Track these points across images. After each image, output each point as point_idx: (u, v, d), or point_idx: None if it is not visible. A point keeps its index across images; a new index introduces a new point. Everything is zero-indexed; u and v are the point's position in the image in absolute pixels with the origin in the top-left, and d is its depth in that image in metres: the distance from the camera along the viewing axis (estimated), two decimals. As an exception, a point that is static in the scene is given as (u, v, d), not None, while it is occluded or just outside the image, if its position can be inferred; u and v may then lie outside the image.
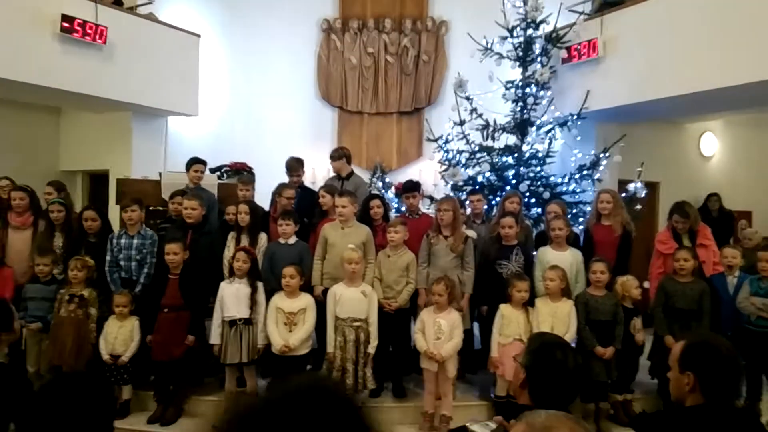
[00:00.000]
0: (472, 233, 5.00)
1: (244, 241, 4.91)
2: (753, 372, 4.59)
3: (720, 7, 5.66)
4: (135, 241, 4.92)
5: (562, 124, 6.81)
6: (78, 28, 6.36)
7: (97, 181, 8.14)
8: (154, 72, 7.29)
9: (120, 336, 4.53)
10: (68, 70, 6.38)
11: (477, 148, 6.91)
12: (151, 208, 5.82)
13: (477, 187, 6.39)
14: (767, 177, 8.93)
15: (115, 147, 7.64)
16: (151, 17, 7.46)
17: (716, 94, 5.91)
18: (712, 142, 8.79)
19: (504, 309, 4.55)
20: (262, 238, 5.03)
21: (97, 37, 6.55)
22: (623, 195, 6.13)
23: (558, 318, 4.47)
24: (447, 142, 7.01)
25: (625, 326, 4.58)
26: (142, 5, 7.56)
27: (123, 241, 4.90)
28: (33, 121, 8.00)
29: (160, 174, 6.43)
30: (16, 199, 5.10)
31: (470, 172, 6.85)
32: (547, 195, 6.40)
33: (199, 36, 7.96)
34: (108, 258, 4.88)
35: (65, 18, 6.23)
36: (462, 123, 6.95)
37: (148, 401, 4.67)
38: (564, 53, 7.15)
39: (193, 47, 7.91)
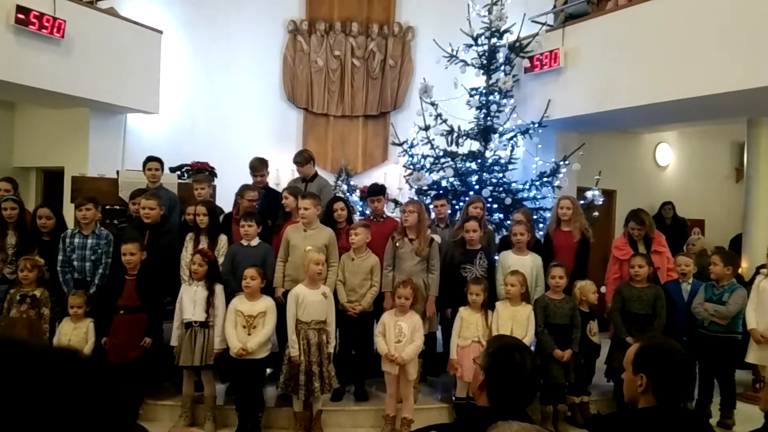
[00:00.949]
0: (437, 237, 5.04)
1: (203, 243, 4.83)
2: (705, 375, 4.77)
3: (675, 23, 5.88)
4: (89, 240, 4.78)
5: (524, 131, 6.93)
6: (34, 20, 6.15)
7: (52, 178, 7.87)
8: (114, 68, 7.10)
9: (74, 338, 4.39)
10: (23, 63, 6.15)
11: (441, 153, 6.98)
12: (107, 207, 5.67)
13: (441, 191, 6.44)
14: (719, 187, 9.30)
15: (72, 144, 7.41)
16: (111, 12, 7.28)
17: (671, 106, 6.13)
18: (667, 153, 9.11)
19: (463, 312, 4.60)
20: (222, 239, 4.95)
21: (55, 30, 6.34)
22: (581, 202, 6.28)
23: (517, 321, 4.55)
24: (412, 146, 7.05)
25: (581, 330, 4.69)
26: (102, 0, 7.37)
27: (77, 240, 4.75)
28: (-16, 115, 7.70)
29: (117, 172, 6.27)
30: (-34, 196, 4.90)
31: (434, 176, 6.90)
32: (509, 201, 6.51)
33: (161, 32, 7.80)
34: (60, 258, 4.73)
35: (20, 9, 6.02)
36: (427, 128, 7.01)
37: (101, 406, 4.52)
38: (527, 63, 7.30)
39: (155, 44, 7.74)
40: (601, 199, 6.77)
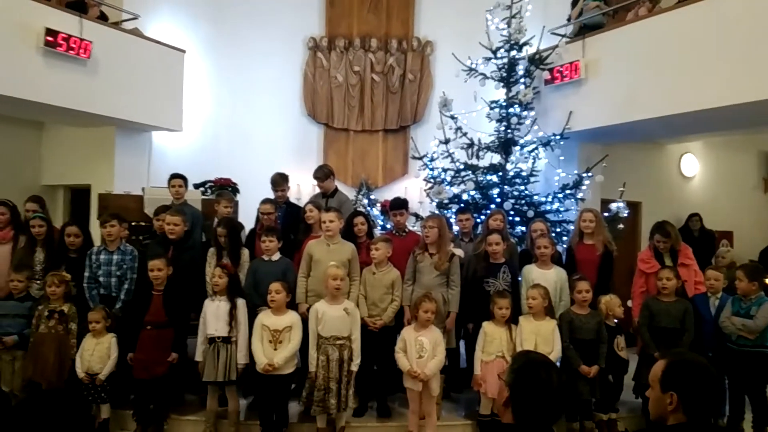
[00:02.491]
0: (459, 252, 5.00)
1: (226, 258, 4.87)
2: (736, 391, 4.63)
3: (697, 32, 5.81)
4: (115, 257, 4.85)
5: (545, 143, 6.89)
6: (62, 42, 6.33)
7: (79, 196, 8.04)
8: (139, 87, 7.26)
9: (96, 353, 4.45)
10: (51, 84, 6.32)
11: (462, 167, 6.96)
12: (133, 223, 5.76)
13: (462, 205, 6.42)
14: (747, 197, 9.11)
15: (98, 162, 7.57)
16: (136, 32, 7.46)
17: (694, 116, 6.04)
18: (693, 163, 8.96)
19: (486, 326, 4.55)
20: (244, 254, 5.00)
21: (81, 51, 6.52)
22: (605, 214, 6.21)
23: (541, 336, 4.48)
24: (432, 160, 7.06)
25: (609, 345, 4.60)
26: (127, 21, 7.56)
27: (102, 257, 4.83)
28: (15, 135, 7.90)
29: (143, 189, 6.38)
30: (-5, 213, 5.03)
31: (455, 190, 6.89)
32: (531, 213, 6.45)
33: (184, 51, 7.96)
34: (86, 274, 4.80)
35: (49, 32, 6.20)
36: (447, 141, 7.01)
37: (127, 420, 4.57)
38: (547, 75, 7.27)
39: (178, 62, 7.91)
40: (626, 212, 6.68)
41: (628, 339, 4.92)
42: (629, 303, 5.20)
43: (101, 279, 4.81)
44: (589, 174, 6.77)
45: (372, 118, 8.98)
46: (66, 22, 6.42)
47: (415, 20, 9.03)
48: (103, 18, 7.12)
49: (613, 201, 6.76)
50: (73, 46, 6.43)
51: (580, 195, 6.73)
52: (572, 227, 5.99)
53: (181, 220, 4.98)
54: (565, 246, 5.74)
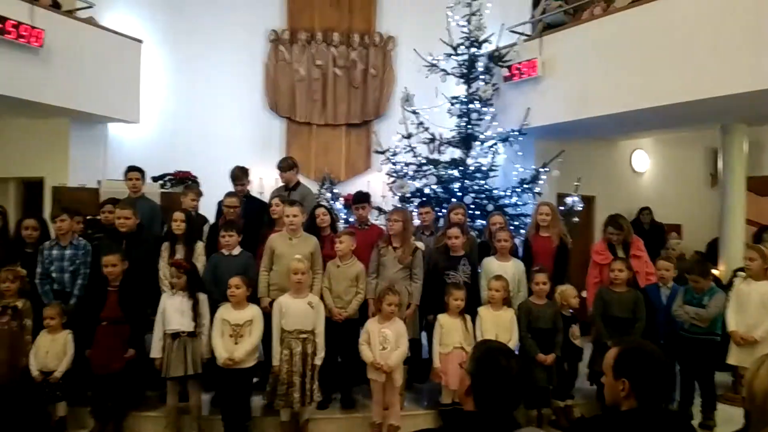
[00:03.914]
0: (420, 245, 5.08)
1: (180, 252, 4.80)
2: (686, 377, 4.86)
3: (648, 32, 6.03)
4: (67, 251, 4.73)
5: (504, 139, 7.03)
6: (12, 29, 6.10)
7: (31, 189, 7.75)
8: (94, 77, 7.05)
9: (52, 350, 4.34)
10: (1, 72, 6.08)
11: (424, 161, 7.04)
12: (89, 217, 5.61)
13: (424, 199, 6.50)
14: (695, 192, 9.50)
15: (52, 154, 7.32)
16: (90, 21, 7.23)
17: (644, 114, 6.29)
18: (644, 159, 9.29)
19: (442, 319, 4.63)
20: (199, 247, 4.94)
21: (33, 39, 6.29)
22: (561, 208, 6.39)
23: (501, 326, 4.61)
24: (395, 154, 7.11)
25: (564, 334, 4.76)
26: (81, 9, 7.32)
27: (54, 252, 4.71)
28: (-40, 125, 7.57)
29: (99, 182, 6.22)
30: (-59, 207, 4.82)
31: (417, 184, 6.96)
32: (491, 207, 6.58)
33: (141, 41, 7.77)
34: (39, 270, 4.67)
35: (-2, 18, 5.97)
36: (409, 136, 7.08)
37: (85, 418, 4.46)
38: (505, 72, 7.41)
39: (135, 53, 7.72)
40: (581, 205, 6.88)
41: (583, 328, 5.10)
42: (584, 293, 5.38)
43: (54, 275, 4.70)
44: (546, 169, 6.94)
45: (335, 113, 8.96)
46: (16, 9, 6.19)
47: (377, 15, 9.04)
48: (55, 6, 6.88)
49: (569, 195, 6.95)
50: (24, 33, 6.21)
51: (537, 189, 6.90)
52: (530, 220, 6.15)
53: (131, 213, 4.86)
54: (522, 239, 5.89)
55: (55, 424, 4.29)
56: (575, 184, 6.96)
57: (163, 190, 6.48)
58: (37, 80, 6.42)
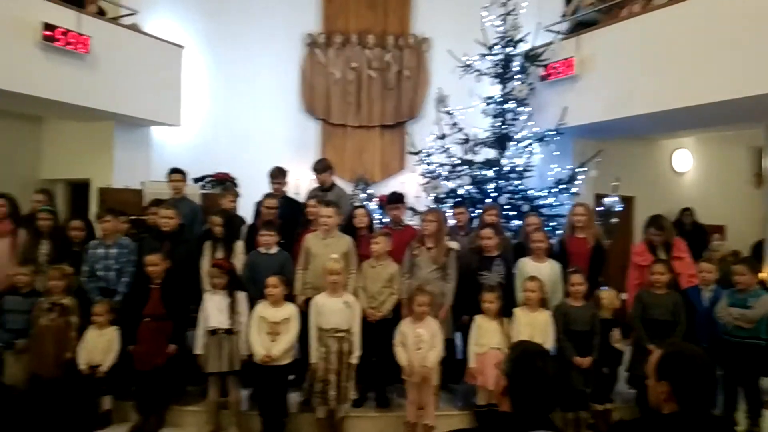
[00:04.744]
0: (455, 245, 5.07)
1: (219, 251, 4.92)
2: (729, 382, 4.72)
3: (690, 29, 5.89)
4: (112, 250, 4.89)
5: (540, 139, 6.97)
6: (60, 36, 6.35)
7: (78, 190, 8.06)
8: (137, 82, 7.29)
9: (99, 346, 4.49)
10: (50, 78, 6.35)
11: (458, 162, 7.04)
12: (133, 217, 5.80)
13: (458, 199, 6.49)
14: (739, 192, 9.22)
15: (97, 156, 7.60)
16: (134, 28, 7.47)
17: (686, 112, 6.13)
18: (686, 158, 9.06)
19: (479, 320, 4.62)
20: (239, 245, 5.05)
21: (80, 46, 6.54)
22: (599, 209, 6.29)
23: (536, 328, 4.56)
24: (429, 155, 7.13)
25: (603, 337, 4.69)
26: (125, 16, 7.57)
27: (100, 251, 4.87)
28: (13, 129, 7.93)
29: (142, 184, 6.41)
30: (-5, 205, 5.05)
31: (451, 184, 6.96)
32: (526, 208, 6.54)
33: (182, 47, 7.98)
34: (85, 268, 4.84)
35: (47, 26, 6.22)
36: (443, 137, 7.09)
37: (129, 411, 4.61)
38: (541, 71, 7.35)
39: (176, 58, 7.93)
40: (620, 206, 6.76)
41: (624, 331, 5.01)
42: (624, 295, 5.29)
43: (100, 273, 4.86)
44: (583, 169, 6.84)
45: (369, 114, 9.03)
46: (64, 17, 6.44)
47: (412, 17, 9.08)
48: (101, 13, 7.13)
49: (607, 195, 6.84)
50: (72, 40, 6.45)
51: (574, 189, 6.82)
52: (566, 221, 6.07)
53: (174, 214, 5.01)
54: (558, 239, 5.82)
55: (101, 416, 4.45)
56: (614, 184, 6.85)
57: (203, 191, 6.64)
58: (84, 85, 6.67)
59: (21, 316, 4.59)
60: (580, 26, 7.26)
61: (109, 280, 4.87)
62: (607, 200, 6.75)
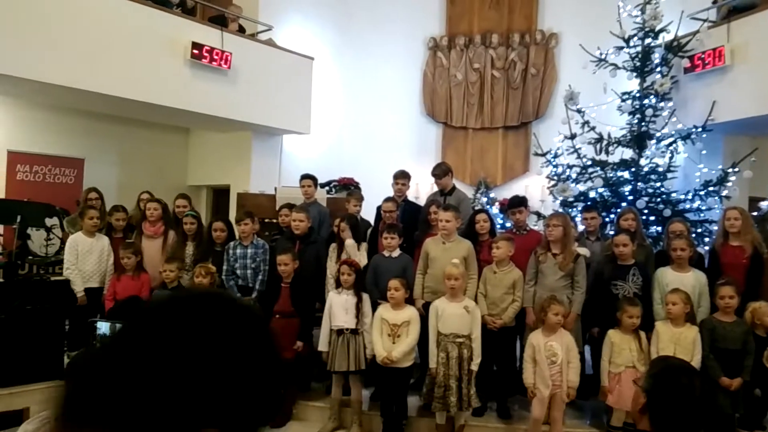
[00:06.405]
0: (585, 251, 4.78)
1: (345, 253, 5.06)
2: None
3: None
4: (249, 250, 5.22)
5: (685, 137, 6.40)
6: (206, 54, 6.94)
7: (220, 195, 8.76)
8: (272, 94, 7.76)
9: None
10: (197, 93, 6.96)
11: (589, 163, 6.66)
12: (266, 220, 6.16)
13: (589, 203, 6.13)
14: None
15: (237, 164, 8.22)
16: (269, 43, 7.97)
17: None
18: None
19: (613, 335, 4.27)
20: (362, 249, 5.16)
21: (223, 62, 7.10)
22: (755, 213, 5.62)
23: (681, 344, 4.15)
24: (556, 156, 6.81)
25: (758, 356, 4.16)
26: (262, 32, 8.10)
27: (238, 251, 5.22)
28: (164, 140, 8.79)
29: (275, 189, 6.81)
30: (151, 209, 5.60)
31: (581, 187, 6.60)
32: (668, 212, 6.02)
33: (312, 59, 8.38)
34: (225, 267, 5.22)
35: (195, 45, 6.83)
36: (573, 137, 6.74)
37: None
38: (686, 62, 6.75)
39: (307, 69, 8.34)
40: (780, 211, 5.99)
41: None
42: (785, 312, 4.65)
43: (238, 271, 5.21)
44: (736, 169, 6.18)
45: (491, 115, 8.86)
46: (209, 36, 7.04)
47: (539, 13, 8.78)
48: (241, 30, 7.70)
49: (764, 199, 6.11)
50: (216, 57, 7.03)
51: (725, 192, 6.17)
52: (716, 228, 5.49)
53: (305, 217, 5.25)
54: (707, 248, 5.28)
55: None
56: (772, 186, 6.09)
57: (329, 196, 6.91)
58: (226, 99, 7.23)
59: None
60: (734, 12, 6.55)
61: (246, 278, 5.21)
62: (763, 204, 6.02)
